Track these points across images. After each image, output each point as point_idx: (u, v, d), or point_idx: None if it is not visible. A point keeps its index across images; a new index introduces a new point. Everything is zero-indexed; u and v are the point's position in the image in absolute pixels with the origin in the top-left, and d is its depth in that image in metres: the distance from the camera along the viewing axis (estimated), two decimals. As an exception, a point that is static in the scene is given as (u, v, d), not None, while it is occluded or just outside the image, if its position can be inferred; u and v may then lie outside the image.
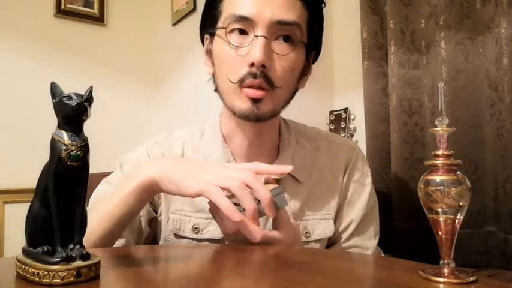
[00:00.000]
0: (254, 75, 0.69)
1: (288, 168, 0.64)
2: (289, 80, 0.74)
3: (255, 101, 0.70)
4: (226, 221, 0.60)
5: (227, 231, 0.62)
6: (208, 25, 0.78)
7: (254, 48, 0.68)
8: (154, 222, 0.80)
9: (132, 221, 0.71)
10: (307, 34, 0.75)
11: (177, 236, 0.77)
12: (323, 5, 0.79)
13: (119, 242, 0.73)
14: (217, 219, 0.63)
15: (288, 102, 0.77)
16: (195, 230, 0.76)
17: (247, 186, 0.59)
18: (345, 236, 0.81)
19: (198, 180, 0.60)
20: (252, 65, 0.68)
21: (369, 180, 0.84)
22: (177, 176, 0.62)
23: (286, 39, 0.71)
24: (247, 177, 0.59)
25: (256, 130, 0.77)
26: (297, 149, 0.82)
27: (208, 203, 0.64)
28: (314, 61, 0.83)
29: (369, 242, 0.81)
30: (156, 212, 0.79)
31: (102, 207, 0.66)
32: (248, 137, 0.78)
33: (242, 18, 0.70)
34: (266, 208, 0.59)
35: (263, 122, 0.74)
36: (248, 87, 0.70)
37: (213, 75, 0.78)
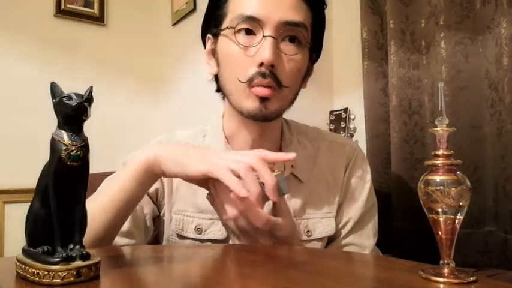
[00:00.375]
0: (263, 75, 0.70)
1: (291, 155, 0.64)
2: (296, 80, 0.75)
3: (263, 100, 0.71)
4: (228, 205, 0.60)
5: (228, 215, 0.61)
6: (212, 25, 0.78)
7: (263, 48, 0.69)
8: (157, 221, 0.80)
9: (134, 210, 0.70)
10: (311, 35, 0.76)
11: (180, 237, 0.77)
12: (325, 6, 0.80)
13: (130, 242, 0.73)
14: (217, 203, 0.63)
15: (292, 102, 0.78)
16: (198, 230, 0.76)
17: (253, 170, 0.60)
18: (343, 233, 0.81)
19: (205, 161, 0.61)
20: (261, 64, 0.69)
21: (368, 178, 0.85)
22: (182, 157, 0.63)
23: (293, 40, 0.73)
24: (253, 161, 0.60)
25: (260, 130, 0.78)
26: (299, 149, 0.82)
27: (208, 188, 0.64)
28: (315, 62, 0.84)
29: (367, 241, 0.81)
30: (159, 211, 0.80)
31: (103, 195, 0.66)
32: (251, 137, 0.78)
33: (250, 19, 0.71)
34: (271, 192, 0.59)
35: (269, 121, 0.75)
36: (257, 86, 0.71)
37: (216, 76, 0.78)
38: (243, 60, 0.72)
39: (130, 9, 2.41)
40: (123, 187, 0.64)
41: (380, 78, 1.26)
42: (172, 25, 2.18)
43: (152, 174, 0.65)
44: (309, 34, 0.75)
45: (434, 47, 1.08)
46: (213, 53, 0.79)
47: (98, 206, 0.62)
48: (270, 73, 0.70)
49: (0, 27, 2.08)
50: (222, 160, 0.61)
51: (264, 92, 0.70)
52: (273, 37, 0.70)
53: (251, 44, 0.71)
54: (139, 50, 2.41)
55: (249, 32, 0.72)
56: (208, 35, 0.80)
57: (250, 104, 0.72)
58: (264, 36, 0.70)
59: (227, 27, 0.74)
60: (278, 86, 0.71)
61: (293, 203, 0.77)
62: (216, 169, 0.59)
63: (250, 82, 0.71)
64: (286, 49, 0.72)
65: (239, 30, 0.72)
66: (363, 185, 0.83)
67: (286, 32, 0.72)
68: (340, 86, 1.55)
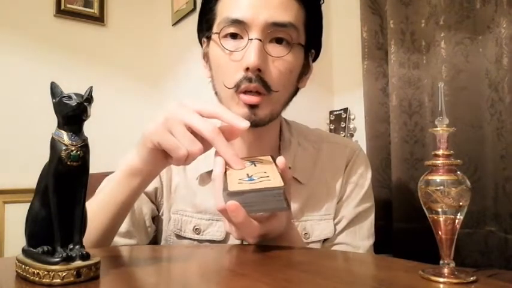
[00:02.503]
0: (250, 80, 0.67)
1: (244, 124, 0.56)
2: (287, 82, 0.73)
3: (252, 106, 0.69)
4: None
5: (218, 206, 0.57)
6: (205, 28, 0.77)
7: (249, 52, 0.67)
8: (157, 221, 0.80)
9: (132, 210, 0.70)
10: (305, 34, 0.74)
11: (178, 237, 0.77)
12: (321, 1, 0.78)
13: (129, 242, 0.73)
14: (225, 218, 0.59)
15: (286, 104, 0.76)
16: (196, 230, 0.76)
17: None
18: (336, 230, 0.80)
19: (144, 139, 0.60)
20: (247, 69, 0.67)
21: (368, 181, 0.83)
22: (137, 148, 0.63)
23: (282, 41, 0.70)
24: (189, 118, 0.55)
25: (255, 134, 0.76)
26: (299, 151, 0.81)
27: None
28: (314, 60, 0.82)
29: (360, 242, 0.79)
30: (158, 211, 0.80)
31: (97, 199, 0.65)
32: (247, 141, 0.77)
33: (236, 22, 0.69)
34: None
35: (261, 126, 0.73)
36: (244, 92, 0.68)
37: (212, 79, 0.78)
38: (230, 66, 0.69)
39: (130, 9, 2.41)
40: (113, 191, 0.64)
41: (380, 78, 1.26)
42: (172, 25, 2.18)
43: (135, 174, 0.63)
44: (300, 34, 0.72)
45: (434, 47, 1.08)
46: (207, 56, 0.77)
47: (93, 210, 0.62)
48: (257, 77, 0.67)
49: (0, 27, 2.08)
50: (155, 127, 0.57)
51: (251, 100, 0.68)
52: (259, 39, 0.67)
53: (237, 48, 0.69)
54: (139, 50, 2.41)
55: (236, 35, 0.70)
56: (203, 39, 0.78)
57: (239, 111, 0.69)
58: (249, 39, 0.67)
59: (214, 32, 0.72)
60: (267, 90, 0.69)
61: (292, 205, 0.77)
62: (159, 140, 0.56)
63: (237, 88, 0.68)
64: (273, 51, 0.69)
65: (226, 35, 0.70)
66: (361, 186, 0.82)
67: (274, 33, 0.69)
68: (340, 86, 1.55)
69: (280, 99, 0.73)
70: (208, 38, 0.76)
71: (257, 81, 0.68)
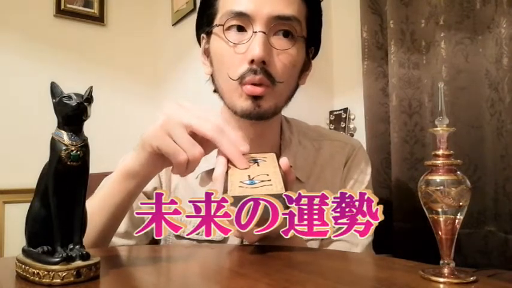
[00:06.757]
0: (254, 72, 0.68)
1: (243, 147, 0.57)
2: (290, 75, 0.73)
3: (256, 98, 0.69)
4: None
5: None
6: (205, 24, 0.77)
7: (253, 45, 0.67)
8: None
9: (131, 211, 0.69)
10: (306, 29, 0.74)
11: (177, 237, 0.77)
12: None
13: (128, 243, 0.73)
14: None
15: (289, 99, 0.76)
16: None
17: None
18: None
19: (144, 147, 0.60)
20: (252, 61, 0.67)
21: (367, 177, 0.83)
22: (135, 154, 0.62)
23: (286, 34, 0.71)
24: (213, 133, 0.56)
25: (257, 130, 0.76)
26: (299, 150, 0.81)
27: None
28: (313, 57, 0.82)
29: (359, 239, 0.77)
30: None
31: (95, 199, 0.65)
32: (249, 137, 0.77)
33: (240, 14, 0.69)
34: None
35: (265, 120, 0.73)
36: (248, 84, 0.69)
37: (212, 76, 0.77)
38: (234, 58, 0.70)
39: (130, 9, 2.41)
40: (109, 193, 0.64)
41: (380, 78, 1.26)
42: (172, 25, 2.18)
43: (132, 176, 0.63)
44: (303, 28, 0.73)
45: (434, 47, 1.08)
46: (207, 52, 0.77)
47: (90, 211, 0.62)
48: (262, 70, 0.68)
49: (0, 27, 2.07)
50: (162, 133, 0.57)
51: (255, 90, 0.68)
52: (264, 32, 0.67)
53: (241, 41, 0.69)
54: (139, 50, 2.41)
55: (239, 28, 0.70)
56: (202, 35, 0.78)
57: (243, 103, 0.70)
58: (254, 32, 0.68)
59: (217, 25, 0.72)
60: (271, 82, 0.69)
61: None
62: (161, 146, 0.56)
63: (241, 80, 0.69)
64: (278, 44, 0.69)
65: (229, 27, 0.70)
66: (360, 183, 0.82)
67: (278, 26, 0.69)
68: (340, 86, 1.55)
69: (284, 92, 0.73)
70: (209, 34, 0.76)
71: (262, 73, 0.68)
